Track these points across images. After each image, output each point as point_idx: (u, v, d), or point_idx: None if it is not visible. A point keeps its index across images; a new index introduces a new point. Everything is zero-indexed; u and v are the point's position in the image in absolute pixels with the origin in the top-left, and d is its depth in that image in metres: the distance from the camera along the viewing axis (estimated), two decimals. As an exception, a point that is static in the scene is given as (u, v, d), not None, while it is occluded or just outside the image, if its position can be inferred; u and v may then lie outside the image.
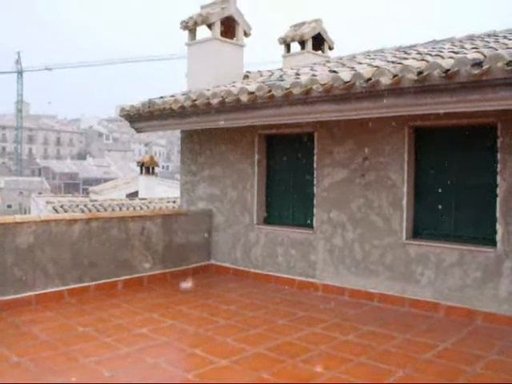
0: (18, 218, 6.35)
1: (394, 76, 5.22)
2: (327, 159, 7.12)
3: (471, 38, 8.00)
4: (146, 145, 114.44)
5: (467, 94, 4.88)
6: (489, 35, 7.74)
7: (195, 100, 7.28)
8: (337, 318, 5.91)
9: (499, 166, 5.72)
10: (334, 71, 6.20)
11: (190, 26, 9.04)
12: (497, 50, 5.01)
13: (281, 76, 7.42)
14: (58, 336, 5.11)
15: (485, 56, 4.74)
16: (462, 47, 6.43)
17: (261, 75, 9.00)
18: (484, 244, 5.86)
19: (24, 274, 6.18)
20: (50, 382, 4.02)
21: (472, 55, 4.86)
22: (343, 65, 7.33)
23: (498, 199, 5.72)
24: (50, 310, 6.01)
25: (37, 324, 5.49)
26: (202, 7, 9.16)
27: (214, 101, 6.99)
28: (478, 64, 4.68)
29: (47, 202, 19.22)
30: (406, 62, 5.44)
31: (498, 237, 5.72)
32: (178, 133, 10.01)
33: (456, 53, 5.70)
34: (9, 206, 64.46)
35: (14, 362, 4.44)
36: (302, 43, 10.44)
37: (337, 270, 7.01)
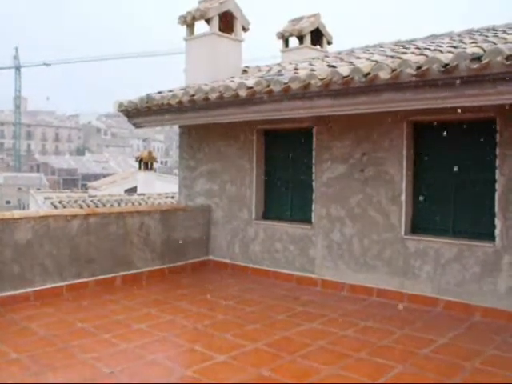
0: (17, 213, 6.34)
1: (393, 70, 5.20)
2: (326, 154, 7.10)
3: (470, 32, 7.98)
4: (145, 140, 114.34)
5: (466, 89, 4.86)
6: (488, 30, 7.71)
7: (193, 95, 7.25)
8: (335, 313, 5.91)
9: (498, 161, 5.71)
10: (333, 66, 6.18)
11: (188, 21, 9.01)
12: (496, 44, 4.99)
13: (279, 71, 7.40)
14: (57, 332, 5.10)
15: (484, 50, 4.72)
16: (461, 42, 6.41)
17: (259, 70, 8.98)
18: (483, 239, 5.85)
19: (22, 269, 6.17)
20: (48, 378, 4.02)
21: (471, 50, 4.84)
22: (342, 59, 7.30)
23: (497, 194, 5.72)
24: (49, 306, 6.00)
25: (35, 320, 5.48)
26: (200, 2, 9.12)
27: (213, 96, 6.96)
28: (477, 58, 4.66)
29: (46, 198, 19.20)
30: (404, 57, 5.42)
31: (497, 232, 5.71)
32: (176, 128, 9.99)
33: (455, 47, 5.68)
34: (7, 202, 64.42)
35: (12, 358, 4.43)
36: (301, 38, 10.41)
37: (335, 265, 7.00)
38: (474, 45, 5.34)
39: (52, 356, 4.49)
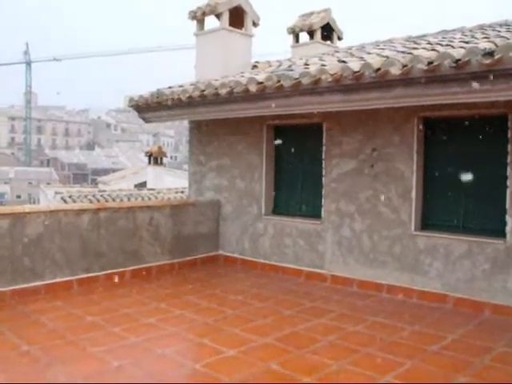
0: (28, 208, 6.39)
1: (404, 66, 5.17)
2: (336, 150, 7.09)
3: (482, 27, 7.92)
4: (155, 135, 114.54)
5: (478, 84, 4.82)
6: (500, 25, 7.66)
7: (204, 90, 7.26)
8: (345, 308, 5.91)
9: (509, 158, 5.67)
10: (343, 61, 6.16)
11: (198, 16, 9.00)
12: (509, 39, 4.95)
13: (290, 66, 7.38)
14: (67, 325, 5.14)
15: (496, 45, 4.68)
16: (473, 37, 6.37)
17: (269, 65, 8.96)
18: (493, 236, 5.83)
19: (33, 263, 6.21)
20: (58, 370, 4.05)
21: (483, 45, 4.80)
22: (352, 55, 7.28)
23: (508, 191, 5.68)
24: (59, 300, 6.04)
25: (46, 313, 5.52)
26: (210, -4, 9.10)
27: (223, 91, 6.96)
28: (489, 54, 4.62)
29: (56, 193, 19.29)
30: (415, 52, 5.40)
31: (508, 229, 5.68)
32: (186, 123, 10.01)
33: (467, 42, 5.65)
34: (18, 197, 64.92)
35: (23, 350, 4.47)
36: (311, 33, 10.37)
37: (345, 260, 7.00)
38: (486, 40, 5.31)
39: (62, 348, 4.52)
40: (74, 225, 6.62)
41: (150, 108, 8.35)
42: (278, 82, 6.27)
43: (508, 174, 5.68)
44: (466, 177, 6.14)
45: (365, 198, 6.79)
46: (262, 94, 6.54)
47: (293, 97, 6.28)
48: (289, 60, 9.15)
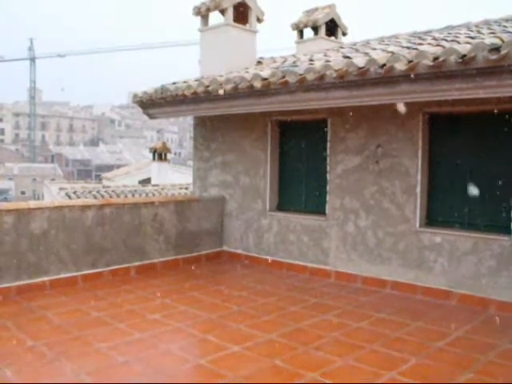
0: (32, 203, 6.39)
1: (409, 62, 5.15)
2: (340, 146, 7.07)
3: (488, 22, 7.86)
4: (159, 131, 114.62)
5: (484, 80, 4.80)
6: (506, 20, 7.61)
7: (208, 86, 7.25)
8: (349, 305, 5.91)
9: (515, 154, 5.64)
10: (348, 57, 6.13)
11: (203, 12, 8.97)
12: (515, 34, 4.92)
13: (294, 62, 7.36)
14: (72, 321, 5.15)
15: (503, 41, 4.66)
16: (479, 32, 6.33)
17: (274, 61, 8.94)
18: (499, 232, 5.80)
19: (38, 259, 6.23)
20: (63, 366, 4.06)
21: (489, 40, 4.78)
22: (357, 50, 7.25)
23: (514, 187, 5.66)
24: (64, 295, 6.06)
25: (51, 309, 5.54)
26: (215, -8, 9.07)
27: (227, 87, 6.95)
28: (495, 49, 4.60)
29: (60, 189, 19.33)
30: (421, 48, 5.37)
31: (514, 225, 5.66)
32: (190, 119, 10.01)
33: (473, 38, 5.61)
34: (22, 193, 65.10)
35: (28, 345, 4.48)
36: (316, 29, 10.33)
37: (349, 257, 6.99)
38: (492, 35, 5.27)
39: (67, 344, 4.54)
40: (78, 220, 6.63)
41: (154, 104, 8.35)
42: (283, 77, 6.26)
43: (514, 170, 5.65)
44: (472, 173, 6.12)
45: (369, 194, 6.77)
46: (267, 89, 6.52)
47: (297, 93, 6.27)
48: (293, 56, 9.13)
